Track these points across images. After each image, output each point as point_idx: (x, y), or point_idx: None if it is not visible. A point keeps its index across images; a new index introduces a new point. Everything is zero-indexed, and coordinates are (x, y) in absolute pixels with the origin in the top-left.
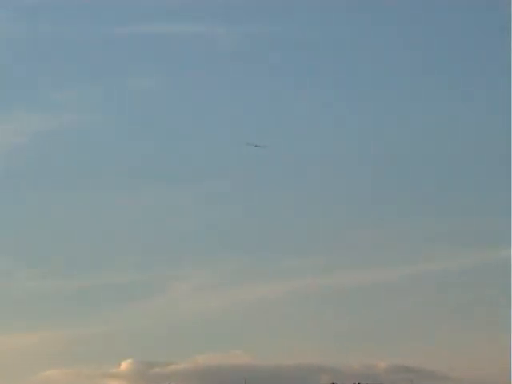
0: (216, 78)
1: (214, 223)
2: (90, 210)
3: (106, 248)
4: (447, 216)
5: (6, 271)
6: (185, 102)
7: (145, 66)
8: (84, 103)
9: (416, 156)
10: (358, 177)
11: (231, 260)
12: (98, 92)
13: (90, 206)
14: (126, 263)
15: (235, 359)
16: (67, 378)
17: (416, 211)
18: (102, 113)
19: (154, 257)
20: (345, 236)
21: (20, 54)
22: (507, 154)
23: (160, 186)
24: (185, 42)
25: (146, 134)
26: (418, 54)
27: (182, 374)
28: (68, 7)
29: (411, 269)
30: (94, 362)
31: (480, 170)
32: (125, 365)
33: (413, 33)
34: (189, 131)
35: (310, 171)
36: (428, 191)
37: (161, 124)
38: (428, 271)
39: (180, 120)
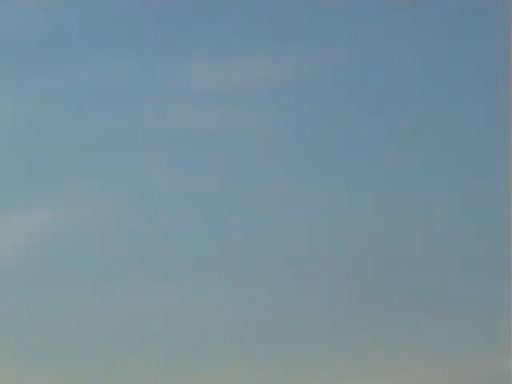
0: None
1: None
2: (109, 311)
3: (127, 350)
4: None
5: (15, 377)
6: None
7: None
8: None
9: None
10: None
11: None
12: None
13: (112, 307)
14: (148, 366)
15: None
16: None
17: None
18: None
19: (179, 358)
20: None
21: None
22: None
23: (184, 286)
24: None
25: (171, 232)
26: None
27: None
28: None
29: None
30: None
31: None
32: None
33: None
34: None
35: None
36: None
37: (186, 225)
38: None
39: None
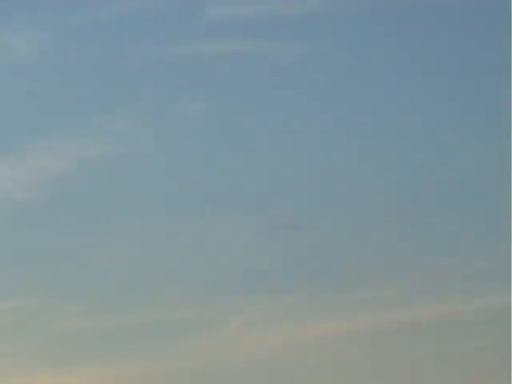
0: (267, 100)
1: (266, 257)
2: (132, 243)
3: (149, 283)
4: None
5: (42, 309)
6: (235, 126)
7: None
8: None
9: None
10: (436, 198)
11: (285, 295)
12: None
13: (133, 238)
14: (171, 299)
15: None
16: None
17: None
18: (149, 141)
19: (202, 292)
20: (419, 263)
21: (66, 78)
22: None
23: (211, 220)
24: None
25: (197, 164)
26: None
27: None
28: (115, 28)
29: (489, 301)
30: None
31: None
32: None
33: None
34: (241, 159)
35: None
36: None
37: (213, 153)
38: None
39: (231, 146)
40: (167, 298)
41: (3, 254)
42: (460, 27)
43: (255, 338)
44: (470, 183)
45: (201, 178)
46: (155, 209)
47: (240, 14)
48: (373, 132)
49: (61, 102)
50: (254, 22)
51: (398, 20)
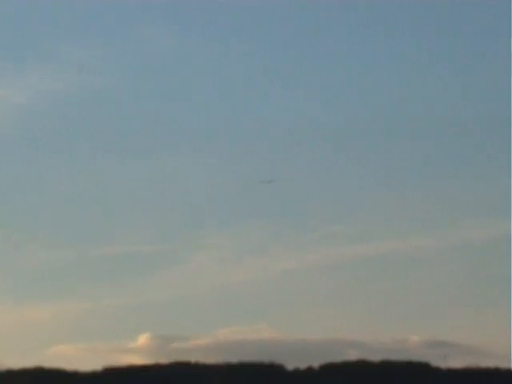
0: (231, 28)
1: (239, 189)
2: (105, 175)
3: (122, 216)
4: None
5: (16, 242)
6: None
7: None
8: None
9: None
10: (399, 139)
11: (258, 228)
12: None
13: (106, 171)
14: (143, 232)
15: (259, 333)
16: (81, 353)
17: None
18: (111, 71)
19: (174, 225)
20: (380, 202)
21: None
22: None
23: (180, 151)
24: None
25: (161, 95)
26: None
27: (202, 349)
28: None
29: (451, 236)
30: (110, 337)
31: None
32: (142, 339)
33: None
34: (204, 89)
35: (348, 141)
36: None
37: (176, 85)
38: (467, 240)
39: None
40: (130, 233)
41: None
42: None
43: (221, 272)
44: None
45: (167, 116)
46: (117, 145)
47: None
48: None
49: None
50: None
51: None
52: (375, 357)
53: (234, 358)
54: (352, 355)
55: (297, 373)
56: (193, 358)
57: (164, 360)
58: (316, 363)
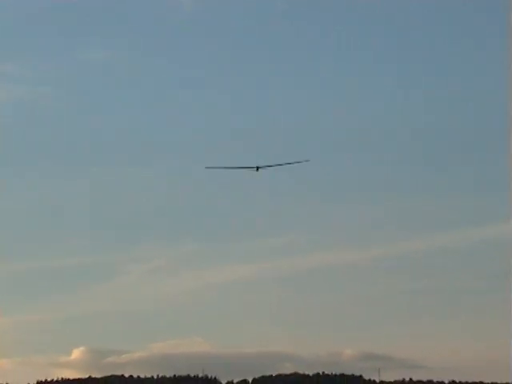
0: (171, 46)
1: (174, 203)
2: (37, 187)
3: (55, 229)
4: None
5: None
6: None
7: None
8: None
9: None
10: (341, 151)
11: (193, 242)
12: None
13: (38, 182)
14: (77, 244)
15: (193, 347)
16: (17, 367)
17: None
18: (52, 85)
19: (108, 238)
20: (315, 217)
21: None
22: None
23: (117, 164)
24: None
25: (98, 107)
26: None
27: (137, 362)
28: None
29: (385, 251)
30: (44, 351)
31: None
32: (76, 353)
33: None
34: (142, 104)
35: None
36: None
37: (113, 97)
38: (403, 254)
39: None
40: (67, 246)
41: None
42: None
43: (155, 285)
44: None
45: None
46: (51, 157)
47: None
48: None
49: None
50: None
51: None
52: (310, 370)
53: (168, 372)
54: (287, 368)
55: None
56: (127, 372)
57: (98, 374)
58: (250, 376)
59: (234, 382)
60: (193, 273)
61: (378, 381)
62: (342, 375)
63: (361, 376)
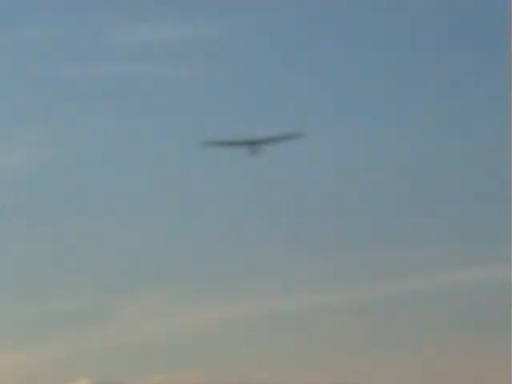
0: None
1: (172, 247)
2: (32, 235)
3: (53, 274)
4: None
5: None
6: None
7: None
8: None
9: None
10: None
11: (180, 285)
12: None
13: (31, 231)
14: (73, 289)
15: (191, 379)
16: None
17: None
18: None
19: (101, 282)
20: (287, 261)
21: None
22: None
23: (115, 212)
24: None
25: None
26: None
27: None
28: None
29: (348, 292)
30: None
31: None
32: None
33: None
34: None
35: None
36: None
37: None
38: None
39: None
40: (67, 288)
41: None
42: None
43: (149, 326)
44: None
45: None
46: (54, 210)
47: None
48: None
49: None
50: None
51: None
52: None
53: None
54: None
55: None
56: None
57: None
58: None
59: None
60: (190, 311)
61: None
62: None
63: None
